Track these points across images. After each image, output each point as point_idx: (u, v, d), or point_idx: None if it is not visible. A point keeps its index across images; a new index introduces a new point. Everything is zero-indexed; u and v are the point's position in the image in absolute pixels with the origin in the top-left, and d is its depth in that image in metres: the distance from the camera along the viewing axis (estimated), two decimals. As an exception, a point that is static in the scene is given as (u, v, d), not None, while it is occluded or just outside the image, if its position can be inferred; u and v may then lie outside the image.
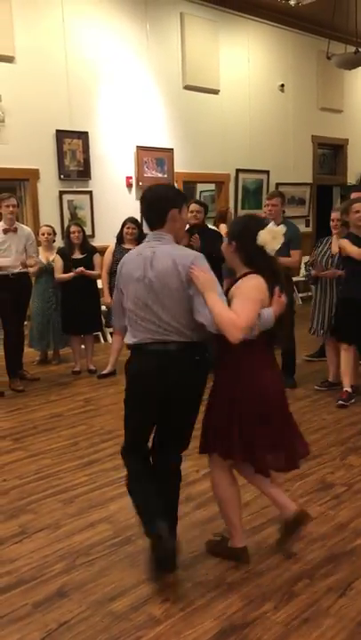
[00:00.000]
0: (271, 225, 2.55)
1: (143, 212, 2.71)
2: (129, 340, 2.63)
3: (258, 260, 2.55)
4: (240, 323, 2.35)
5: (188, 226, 5.76)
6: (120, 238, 5.89)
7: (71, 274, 5.87)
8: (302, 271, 9.83)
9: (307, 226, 10.83)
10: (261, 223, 2.59)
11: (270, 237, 2.52)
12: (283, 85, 10.21)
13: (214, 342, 2.53)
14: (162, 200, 2.60)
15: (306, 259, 5.73)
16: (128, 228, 5.82)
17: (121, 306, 2.69)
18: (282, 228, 2.54)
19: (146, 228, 2.78)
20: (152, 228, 2.63)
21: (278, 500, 2.76)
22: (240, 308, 2.41)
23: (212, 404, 2.65)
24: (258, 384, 2.54)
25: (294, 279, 5.79)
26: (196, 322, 2.48)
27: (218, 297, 2.41)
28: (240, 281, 2.57)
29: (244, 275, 2.58)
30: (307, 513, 2.79)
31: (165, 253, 2.52)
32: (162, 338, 2.52)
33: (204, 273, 2.44)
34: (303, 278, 9.91)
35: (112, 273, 5.60)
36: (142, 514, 2.64)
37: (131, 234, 5.79)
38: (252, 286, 2.52)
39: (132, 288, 2.57)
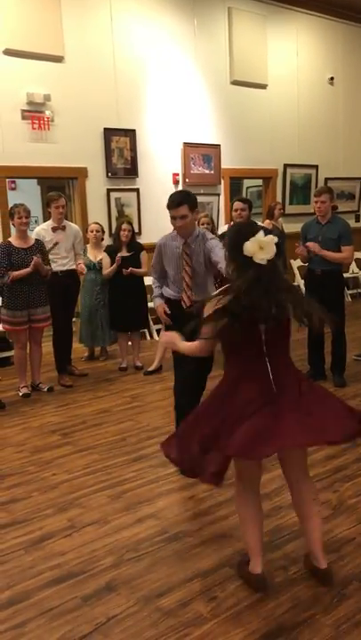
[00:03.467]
0: (260, 234, 2.32)
1: None
2: None
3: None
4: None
5: (232, 223, 5.74)
6: None
7: (115, 265, 5.89)
8: (354, 268, 9.73)
9: (357, 221, 10.61)
10: (251, 231, 2.34)
11: (258, 248, 2.30)
12: (332, 78, 10.01)
13: None
14: None
15: (358, 255, 5.60)
16: None
17: None
18: (272, 238, 2.32)
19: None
20: None
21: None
22: None
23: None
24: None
25: (346, 276, 5.66)
26: None
27: None
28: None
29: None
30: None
31: None
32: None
33: None
34: (354, 275, 9.78)
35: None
36: None
37: None
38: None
39: None
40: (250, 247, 2.30)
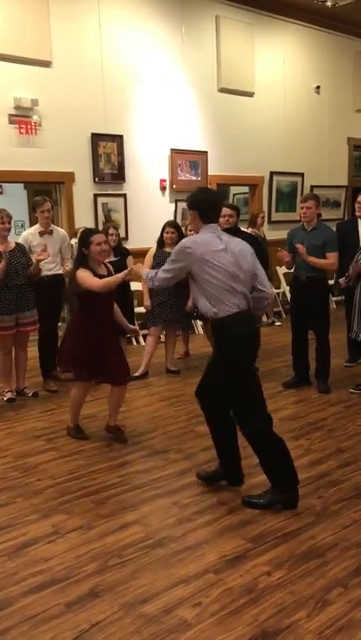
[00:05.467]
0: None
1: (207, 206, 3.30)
2: (227, 311, 3.17)
3: None
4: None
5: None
6: (161, 242, 5.93)
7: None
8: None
9: (342, 229, 10.69)
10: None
11: None
12: (318, 87, 10.12)
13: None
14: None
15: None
16: (167, 232, 5.87)
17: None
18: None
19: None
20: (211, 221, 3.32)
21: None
22: None
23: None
24: None
25: (331, 282, 5.71)
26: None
27: None
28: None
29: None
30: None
31: (236, 240, 3.33)
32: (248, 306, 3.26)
33: None
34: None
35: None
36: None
37: (170, 238, 5.83)
38: None
39: (224, 260, 3.16)
40: None
